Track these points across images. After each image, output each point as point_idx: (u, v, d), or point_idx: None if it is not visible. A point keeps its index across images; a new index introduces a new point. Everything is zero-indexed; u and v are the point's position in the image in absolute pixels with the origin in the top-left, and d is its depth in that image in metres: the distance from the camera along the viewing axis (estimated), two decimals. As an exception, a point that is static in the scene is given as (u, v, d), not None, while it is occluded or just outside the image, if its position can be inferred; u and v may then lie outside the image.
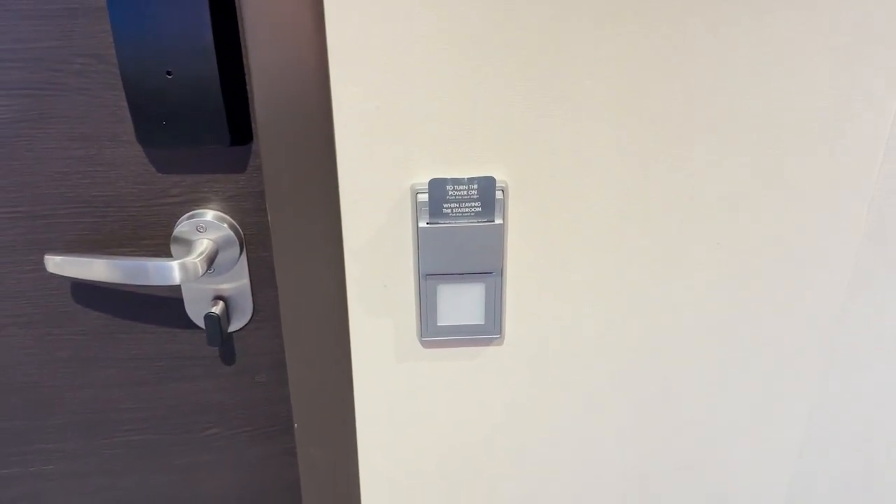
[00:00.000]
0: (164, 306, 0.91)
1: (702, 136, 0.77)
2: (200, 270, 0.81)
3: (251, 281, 0.90)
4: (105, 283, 0.87)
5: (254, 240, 0.87)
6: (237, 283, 0.89)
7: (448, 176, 0.79)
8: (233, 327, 0.92)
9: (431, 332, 0.86)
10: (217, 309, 0.88)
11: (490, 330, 0.87)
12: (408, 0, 0.70)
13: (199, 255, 0.81)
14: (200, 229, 0.84)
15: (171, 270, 0.80)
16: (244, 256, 0.88)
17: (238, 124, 0.79)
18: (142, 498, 1.04)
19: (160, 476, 1.03)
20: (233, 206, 0.86)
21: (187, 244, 0.85)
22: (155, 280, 0.80)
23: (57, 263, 0.82)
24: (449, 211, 0.79)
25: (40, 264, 0.88)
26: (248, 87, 0.79)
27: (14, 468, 1.02)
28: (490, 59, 0.73)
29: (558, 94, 0.75)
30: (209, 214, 0.85)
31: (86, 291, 0.91)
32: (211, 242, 0.84)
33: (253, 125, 0.81)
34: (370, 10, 0.70)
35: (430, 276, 0.83)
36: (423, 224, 0.79)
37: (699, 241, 0.83)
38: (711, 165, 0.79)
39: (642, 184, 0.80)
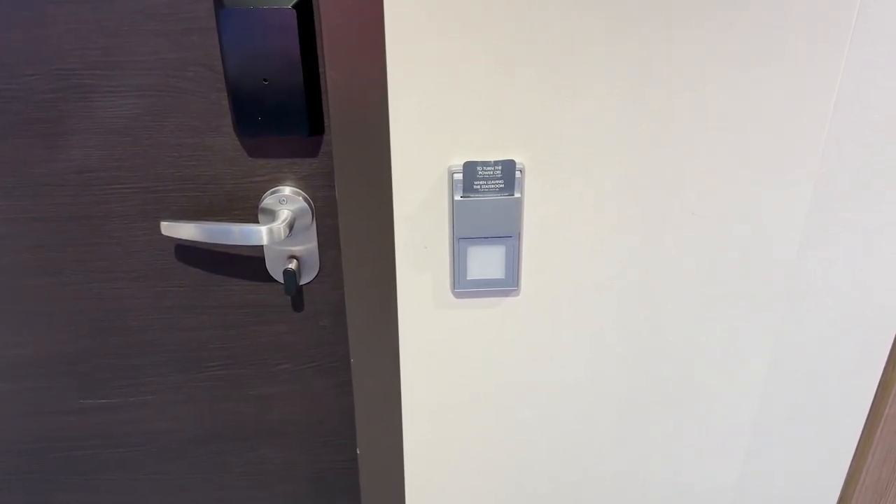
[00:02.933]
0: (248, 264, 1.14)
1: (683, 124, 0.99)
2: (283, 234, 1.04)
3: (319, 243, 1.12)
4: (206, 243, 1.10)
5: (323, 211, 1.10)
6: (308, 245, 1.12)
7: (478, 159, 1.01)
8: (303, 281, 1.15)
9: (462, 285, 1.08)
10: (292, 265, 1.11)
11: (509, 283, 1.08)
12: (449, 20, 0.92)
13: (282, 222, 1.04)
14: (282, 202, 1.07)
15: (260, 234, 1.02)
16: (314, 224, 1.10)
17: (314, 118, 1.01)
18: (224, 422, 1.28)
19: (239, 404, 1.26)
20: (307, 184, 1.08)
21: (271, 214, 1.08)
22: (247, 241, 1.03)
23: (169, 227, 1.05)
24: (479, 187, 1.01)
25: (150, 230, 1.11)
26: (323, 90, 1.01)
27: (121, 398, 1.25)
28: (513, 68, 0.95)
29: (569, 94, 0.96)
30: (288, 190, 1.08)
31: (186, 251, 1.14)
32: (290, 212, 1.07)
33: (325, 120, 1.03)
34: (419, 31, 0.92)
35: (462, 240, 1.05)
36: (457, 197, 1.01)
37: (679, 207, 1.04)
38: (690, 147, 1.00)
39: (636, 163, 1.01)
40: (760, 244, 1.06)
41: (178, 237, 1.05)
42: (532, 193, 1.02)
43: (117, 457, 1.31)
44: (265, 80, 0.96)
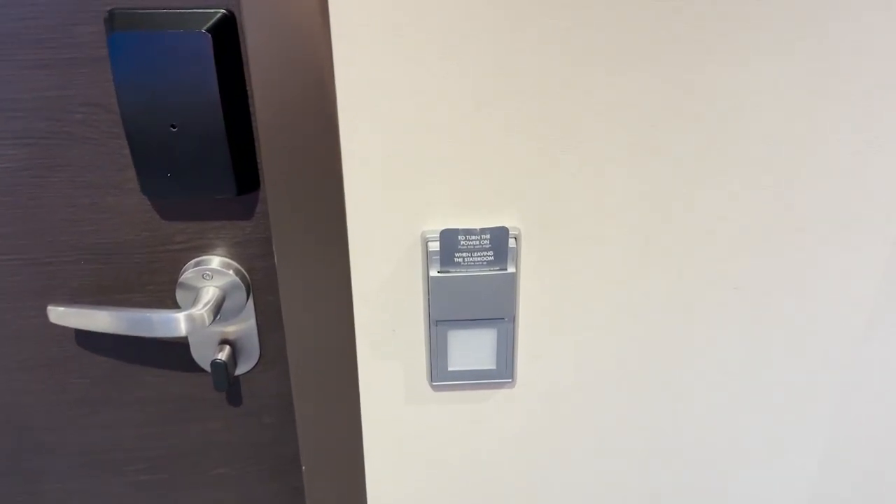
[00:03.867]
0: (169, 350, 0.90)
1: (719, 177, 0.76)
2: (207, 321, 0.80)
3: (258, 325, 0.88)
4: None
5: (261, 285, 0.86)
6: (244, 327, 0.88)
7: (460, 222, 0.77)
8: (240, 370, 0.91)
9: (442, 376, 0.85)
10: (223, 354, 0.87)
11: (502, 374, 0.85)
12: (420, 46, 0.69)
13: (205, 306, 0.80)
14: (206, 277, 0.83)
15: (177, 322, 0.78)
16: (251, 301, 0.86)
17: (244, 173, 0.77)
18: (149, 537, 1.03)
19: (168, 515, 1.02)
20: (239, 253, 0.84)
21: (193, 290, 0.84)
22: (160, 332, 0.79)
23: (59, 314, 0.81)
24: (460, 260, 0.77)
25: (44, 310, 0.87)
26: (254, 136, 0.77)
27: (21, 508, 1.01)
28: (503, 107, 0.71)
29: (572, 141, 0.73)
30: (215, 261, 0.84)
31: (90, 336, 0.89)
32: (217, 290, 0.83)
33: (260, 172, 0.79)
34: (381, 57, 0.69)
35: (441, 323, 0.81)
36: (433, 273, 0.78)
37: (715, 282, 0.82)
38: (728, 207, 0.77)
39: (658, 226, 0.78)
40: (817, 323, 0.83)
41: (70, 326, 0.80)
42: (529, 266, 0.79)
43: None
44: (173, 126, 0.72)
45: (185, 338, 0.89)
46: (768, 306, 0.83)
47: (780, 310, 0.83)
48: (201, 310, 0.79)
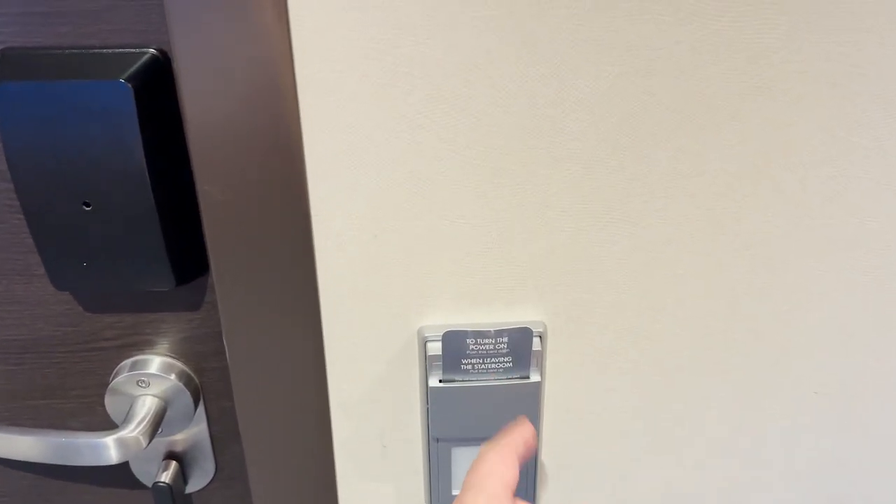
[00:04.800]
0: (103, 470, 0.72)
1: (798, 260, 0.58)
2: (143, 443, 0.62)
3: (212, 435, 0.70)
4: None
5: (213, 388, 0.68)
6: (194, 437, 0.69)
7: (467, 316, 0.60)
8: (192, 488, 0.72)
9: (445, 501, 0.67)
10: (168, 475, 0.69)
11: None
12: (415, 100, 0.51)
13: (139, 425, 0.62)
14: (142, 384, 0.64)
15: (106, 449, 0.60)
16: (202, 408, 0.68)
17: (185, 257, 0.59)
18: None
19: None
20: (185, 350, 0.66)
21: (127, 397, 0.66)
22: (88, 461, 0.61)
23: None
24: (469, 367, 0.59)
25: (-58, 419, 0.68)
26: (198, 211, 0.59)
27: None
28: (527, 174, 0.54)
29: (617, 216, 0.55)
30: (154, 363, 0.65)
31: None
32: (156, 400, 0.65)
33: (208, 255, 0.61)
34: (363, 112, 0.51)
35: (443, 441, 0.63)
36: (434, 383, 0.60)
37: (792, 385, 0.64)
38: (807, 296, 0.60)
39: (721, 320, 0.60)
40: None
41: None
42: (557, 369, 0.61)
43: None
44: (86, 203, 0.53)
45: (122, 452, 0.71)
46: (850, 412, 0.65)
47: (865, 419, 0.66)
48: (133, 432, 0.61)
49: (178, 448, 0.71)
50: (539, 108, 0.52)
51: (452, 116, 0.52)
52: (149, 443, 0.62)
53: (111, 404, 0.67)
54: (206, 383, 0.68)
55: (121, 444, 0.60)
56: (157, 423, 0.64)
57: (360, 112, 0.52)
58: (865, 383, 0.65)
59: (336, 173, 0.54)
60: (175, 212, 0.57)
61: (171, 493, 0.68)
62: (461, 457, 0.65)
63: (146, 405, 0.64)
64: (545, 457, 0.66)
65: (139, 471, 0.72)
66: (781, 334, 0.62)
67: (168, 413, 0.66)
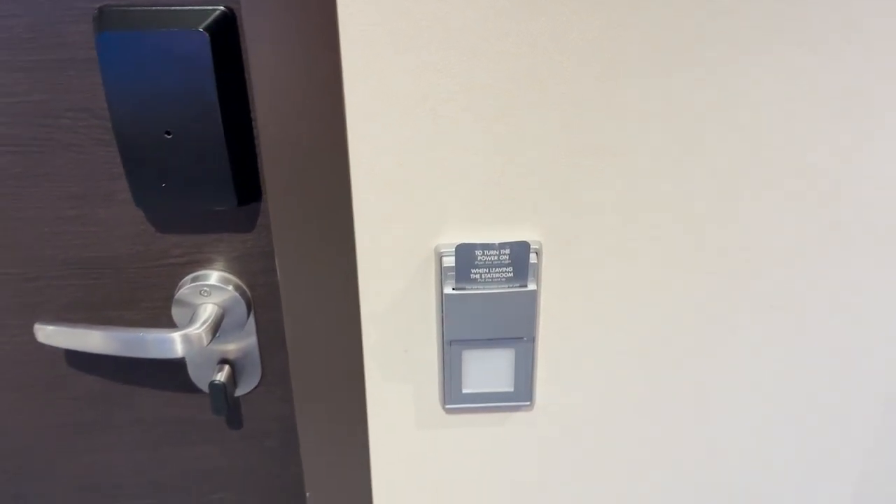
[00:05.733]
0: (165, 370, 0.84)
1: (761, 191, 0.70)
2: (205, 341, 0.74)
3: (259, 344, 0.82)
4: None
5: (263, 301, 0.80)
6: (245, 345, 0.82)
7: (477, 235, 0.72)
8: (240, 391, 0.85)
9: (455, 399, 0.80)
10: (222, 375, 0.81)
11: (520, 397, 0.80)
12: (436, 49, 0.63)
13: (202, 325, 0.74)
14: (204, 293, 0.77)
15: (173, 343, 0.73)
16: (252, 319, 0.80)
17: (245, 183, 0.71)
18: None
19: (164, 542, 0.96)
20: (240, 267, 0.79)
21: (190, 307, 0.78)
22: (154, 353, 0.73)
23: (48, 333, 0.75)
24: (477, 276, 0.72)
25: (27, 328, 0.81)
26: (256, 144, 0.71)
27: (8, 535, 0.95)
28: (527, 112, 0.66)
29: (603, 147, 0.68)
30: (213, 276, 0.78)
31: (80, 354, 0.83)
32: (215, 307, 0.77)
33: (262, 182, 0.74)
34: (394, 60, 0.63)
35: (455, 343, 0.76)
36: (448, 290, 0.72)
37: (750, 301, 0.76)
38: (768, 223, 0.72)
39: (692, 241, 0.73)
40: (861, 343, 0.78)
41: (58, 346, 0.75)
42: (551, 281, 0.73)
43: None
44: (168, 132, 0.66)
45: (182, 358, 0.83)
46: (804, 326, 0.77)
47: (816, 330, 0.78)
48: (198, 329, 0.73)
49: (231, 355, 0.83)
50: (538, 55, 0.64)
51: (466, 63, 0.64)
52: (209, 341, 0.75)
53: (176, 313, 0.79)
54: (257, 296, 0.80)
55: (186, 339, 0.73)
56: (216, 327, 0.77)
57: (390, 60, 0.64)
58: (816, 296, 0.77)
59: (370, 113, 0.66)
60: (238, 143, 0.69)
61: (225, 391, 0.81)
62: (471, 358, 0.78)
63: (207, 311, 0.77)
64: (541, 355, 0.78)
65: (196, 375, 0.84)
66: (743, 255, 0.74)
67: (224, 320, 0.79)
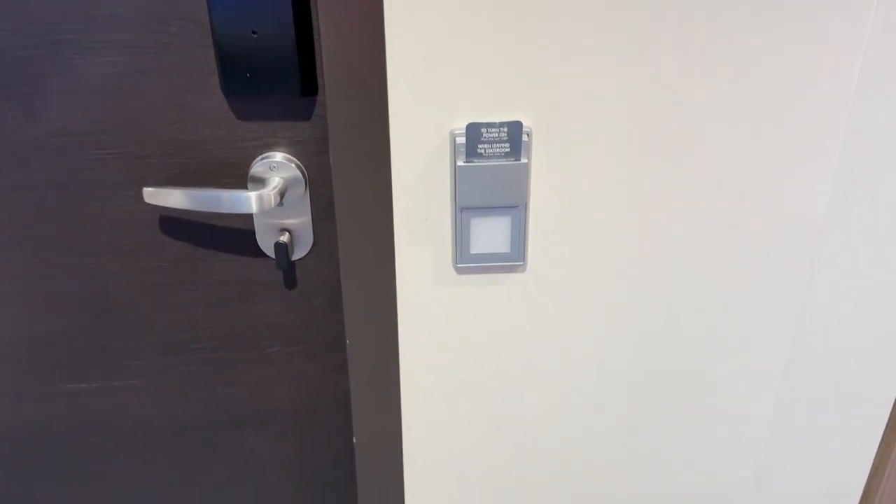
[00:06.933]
0: (237, 237, 1.07)
1: (702, 87, 0.92)
2: (273, 202, 0.97)
3: (312, 215, 1.05)
4: (191, 211, 1.03)
5: (316, 179, 1.03)
6: (301, 217, 1.05)
7: (483, 120, 0.94)
8: (295, 256, 1.08)
9: (465, 259, 1.01)
10: (284, 238, 1.04)
11: (515, 258, 1.01)
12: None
13: (272, 189, 0.97)
14: (273, 168, 1.00)
15: (250, 200, 0.95)
16: (307, 193, 1.03)
17: (307, 77, 0.94)
18: (212, 409, 1.21)
19: (228, 389, 1.19)
20: (299, 150, 1.02)
21: (261, 182, 1.01)
22: (236, 208, 0.96)
23: (152, 194, 0.98)
24: (483, 151, 0.94)
25: (133, 199, 1.04)
26: (316, 46, 0.94)
27: (102, 382, 1.18)
28: (520, 24, 0.88)
29: (580, 49, 0.90)
30: (279, 156, 1.01)
31: (171, 224, 1.07)
32: (281, 180, 1.00)
33: (319, 79, 0.97)
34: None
35: (465, 210, 0.98)
36: (460, 163, 0.94)
37: (699, 177, 0.98)
38: (713, 108, 0.93)
39: (650, 130, 0.94)
40: (782, 221, 0.99)
41: (162, 204, 0.98)
42: (540, 159, 0.95)
43: (98, 446, 1.24)
44: (254, 31, 0.90)
45: (252, 227, 1.07)
46: (741, 203, 0.99)
47: (751, 208, 0.99)
48: (270, 191, 0.97)
49: (289, 225, 1.06)
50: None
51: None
52: (277, 203, 0.98)
53: (252, 187, 1.03)
54: (311, 175, 1.03)
55: (259, 198, 0.96)
56: (282, 194, 1.00)
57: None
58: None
59: (403, 17, 0.88)
60: (303, 43, 0.93)
61: (287, 251, 1.04)
62: (477, 224, 1.00)
63: (275, 181, 1.00)
64: (532, 220, 1.00)
65: (263, 241, 1.07)
66: (694, 135, 0.96)
67: (287, 192, 1.02)
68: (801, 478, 1.22)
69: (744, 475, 1.20)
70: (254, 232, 1.06)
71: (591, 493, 1.21)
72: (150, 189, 0.98)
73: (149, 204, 1.01)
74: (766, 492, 1.24)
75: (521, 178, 0.95)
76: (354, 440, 1.16)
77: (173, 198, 0.97)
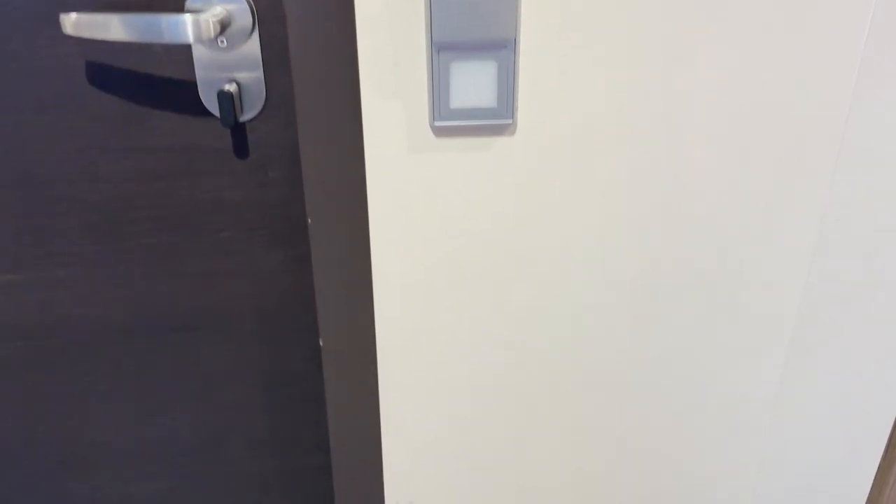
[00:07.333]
0: (177, 92, 0.91)
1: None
2: (213, 31, 0.81)
3: (264, 65, 0.89)
4: (123, 56, 0.87)
5: (267, 15, 0.87)
6: (250, 67, 0.89)
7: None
8: (245, 117, 0.92)
9: (444, 115, 0.85)
10: (230, 87, 0.88)
11: (502, 114, 0.85)
12: None
13: (212, 15, 0.81)
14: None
15: (184, 25, 0.79)
16: (256, 34, 0.87)
17: None
18: (156, 308, 1.05)
19: (174, 282, 1.03)
20: (245, -22, 0.85)
21: (200, 11, 0.85)
22: (167, 36, 0.80)
23: (73, 22, 0.82)
24: (463, -28, 0.77)
25: (55, 39, 0.88)
26: None
27: (21, 272, 1.02)
28: None
29: None
30: (223, -16, 0.85)
31: (100, 74, 0.91)
32: (223, 10, 0.84)
33: None
34: None
35: (444, 51, 0.82)
36: (436, -17, 0.78)
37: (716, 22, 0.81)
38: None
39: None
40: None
41: (84, 35, 0.82)
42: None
43: (22, 352, 1.07)
44: None
45: (194, 79, 0.90)
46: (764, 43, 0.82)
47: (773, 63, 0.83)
48: (208, 16, 0.80)
49: (238, 78, 0.90)
50: None
51: None
52: (217, 34, 0.81)
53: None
54: (261, 11, 0.87)
55: (196, 23, 0.80)
56: (225, 25, 0.83)
57: None
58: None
59: None
60: None
61: (233, 102, 0.88)
62: (458, 71, 0.83)
63: (216, 9, 0.84)
64: (522, 68, 0.84)
65: (205, 95, 0.91)
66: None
67: (231, 26, 0.86)
68: (824, 390, 1.06)
69: (763, 389, 1.03)
70: (196, 85, 0.90)
71: (588, 405, 1.05)
72: (70, 16, 0.82)
73: (73, 50, 0.84)
74: (785, 411, 1.07)
75: (509, 7, 0.79)
76: (321, 342, 0.99)
77: (96, 28, 0.81)
